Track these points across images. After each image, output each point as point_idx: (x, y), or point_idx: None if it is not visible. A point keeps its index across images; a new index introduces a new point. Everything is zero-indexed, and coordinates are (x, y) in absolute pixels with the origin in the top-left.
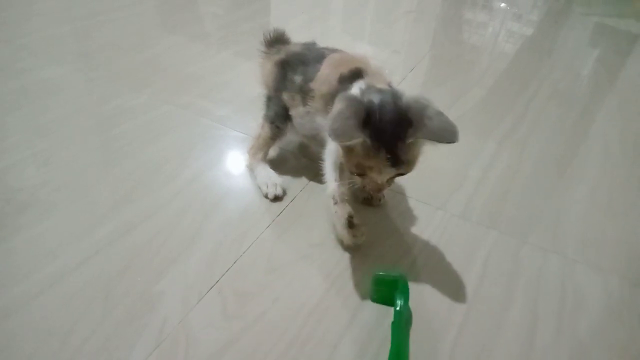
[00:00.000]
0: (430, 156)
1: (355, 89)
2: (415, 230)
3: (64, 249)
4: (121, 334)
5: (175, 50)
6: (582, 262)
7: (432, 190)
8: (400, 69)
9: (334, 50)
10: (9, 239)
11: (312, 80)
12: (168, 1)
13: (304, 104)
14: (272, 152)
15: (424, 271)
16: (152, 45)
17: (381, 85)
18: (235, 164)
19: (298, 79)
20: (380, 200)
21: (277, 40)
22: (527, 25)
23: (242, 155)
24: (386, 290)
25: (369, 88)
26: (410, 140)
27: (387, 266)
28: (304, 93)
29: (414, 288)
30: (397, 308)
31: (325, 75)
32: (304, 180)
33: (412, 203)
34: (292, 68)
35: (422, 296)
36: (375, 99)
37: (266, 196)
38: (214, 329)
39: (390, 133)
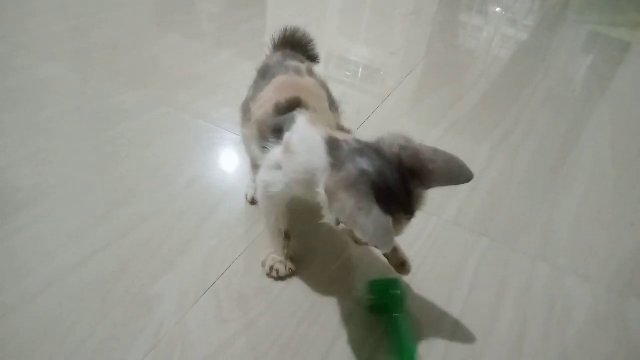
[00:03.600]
0: None
1: (316, 147)
2: (409, 235)
3: (61, 250)
4: (118, 336)
5: (172, 50)
6: (571, 271)
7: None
8: (397, 73)
9: (297, 69)
10: (6, 239)
11: (254, 99)
12: (166, 0)
13: (243, 124)
14: None
15: (416, 277)
16: (150, 44)
17: (331, 129)
18: (232, 167)
19: (249, 93)
20: None
21: (287, 42)
22: (522, 31)
23: (239, 158)
24: (382, 296)
25: (337, 147)
26: (421, 191)
27: (381, 270)
28: (245, 112)
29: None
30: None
31: (264, 99)
32: None
33: None
34: (255, 80)
35: (413, 303)
36: (366, 165)
37: (245, 197)
38: (209, 331)
39: (402, 196)
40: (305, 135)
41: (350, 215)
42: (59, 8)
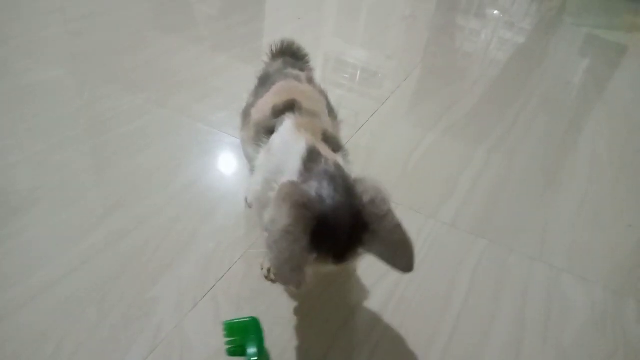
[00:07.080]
0: (422, 164)
1: (294, 153)
2: None
3: (58, 253)
4: (116, 340)
5: (170, 53)
6: (568, 272)
7: (423, 199)
8: (395, 76)
9: (297, 76)
10: (2, 242)
11: (254, 105)
12: (163, 3)
13: (243, 128)
14: None
15: (415, 280)
16: (147, 47)
17: (317, 139)
18: (230, 170)
19: (249, 99)
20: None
21: (285, 52)
22: (519, 34)
23: (237, 161)
24: (240, 339)
25: (314, 160)
26: (362, 250)
27: (379, 271)
28: (246, 117)
29: (405, 295)
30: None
31: (263, 103)
32: None
33: (403, 211)
34: (255, 87)
35: (412, 305)
36: (326, 195)
37: (245, 200)
38: (208, 334)
39: (344, 241)
40: (287, 139)
41: (276, 232)
42: (57, 11)
